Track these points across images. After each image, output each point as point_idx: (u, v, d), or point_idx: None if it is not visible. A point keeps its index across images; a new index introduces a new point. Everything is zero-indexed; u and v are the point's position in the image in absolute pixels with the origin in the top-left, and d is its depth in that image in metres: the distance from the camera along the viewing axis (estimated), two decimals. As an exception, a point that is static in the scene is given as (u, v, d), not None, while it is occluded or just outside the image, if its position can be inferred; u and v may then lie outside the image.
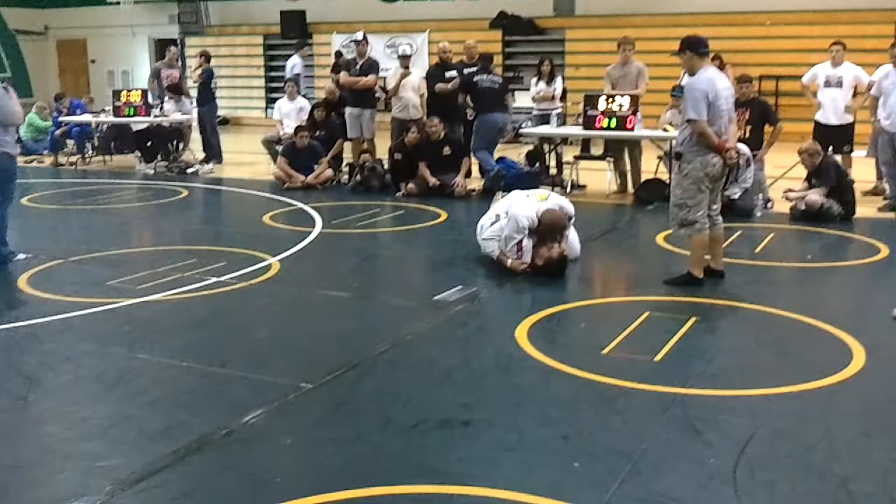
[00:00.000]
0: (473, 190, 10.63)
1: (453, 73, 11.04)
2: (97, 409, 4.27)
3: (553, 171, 11.31)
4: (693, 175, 6.23)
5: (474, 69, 10.98)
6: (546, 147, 11.31)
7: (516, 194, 7.20)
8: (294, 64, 14.85)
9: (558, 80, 12.38)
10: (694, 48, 6.25)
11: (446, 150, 10.52)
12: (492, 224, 7.00)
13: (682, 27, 16.06)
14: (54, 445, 3.90)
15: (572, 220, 7.09)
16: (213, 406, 4.31)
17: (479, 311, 5.98)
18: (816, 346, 5.19)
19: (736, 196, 8.81)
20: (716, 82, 6.19)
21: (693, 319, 5.56)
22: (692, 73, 6.29)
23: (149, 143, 13.70)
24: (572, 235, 7.13)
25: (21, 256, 7.32)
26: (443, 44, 11.49)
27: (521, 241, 6.68)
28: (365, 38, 12.50)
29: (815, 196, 8.67)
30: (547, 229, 6.75)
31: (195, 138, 14.12)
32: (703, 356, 5.04)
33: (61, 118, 14.65)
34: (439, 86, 10.88)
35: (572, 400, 4.34)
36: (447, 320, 5.71)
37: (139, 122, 13.69)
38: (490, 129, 10.85)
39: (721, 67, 13.92)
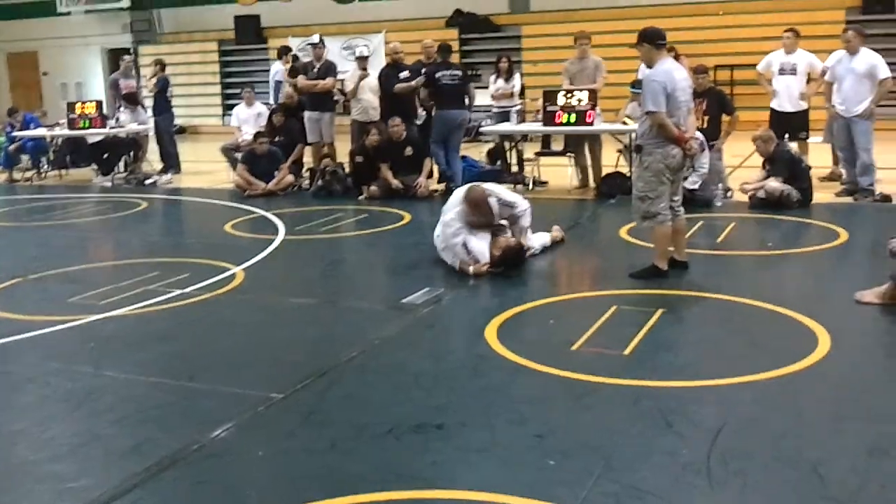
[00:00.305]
0: (436, 190, 10.63)
1: (406, 73, 11.03)
2: (65, 429, 4.20)
3: (514, 168, 11.34)
4: (654, 167, 6.27)
5: (435, 66, 10.90)
6: (507, 145, 11.34)
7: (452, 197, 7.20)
8: (276, 71, 14.58)
9: (517, 76, 12.40)
10: (651, 40, 6.29)
11: (408, 151, 10.50)
12: (437, 236, 7.02)
13: (638, 20, 16.17)
14: (23, 467, 3.83)
15: (524, 213, 7.09)
16: (183, 421, 4.25)
17: (446, 312, 5.97)
18: (782, 333, 5.25)
19: (696, 186, 8.90)
20: (673, 74, 6.24)
21: (660, 312, 5.60)
22: (650, 66, 6.34)
23: (105, 156, 13.53)
24: (531, 232, 7.17)
25: None
26: (393, 44, 11.49)
27: (465, 244, 6.67)
28: (321, 41, 12.44)
29: (775, 183, 8.77)
30: (473, 209, 6.72)
31: (152, 149, 13.96)
32: (672, 348, 5.08)
33: (14, 133, 14.40)
34: (400, 86, 10.83)
35: (544, 397, 4.34)
36: (415, 323, 5.69)
37: (95, 135, 13.52)
38: (445, 125, 10.64)
39: (676, 59, 14.07)
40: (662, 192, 6.30)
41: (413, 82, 10.79)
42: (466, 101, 10.94)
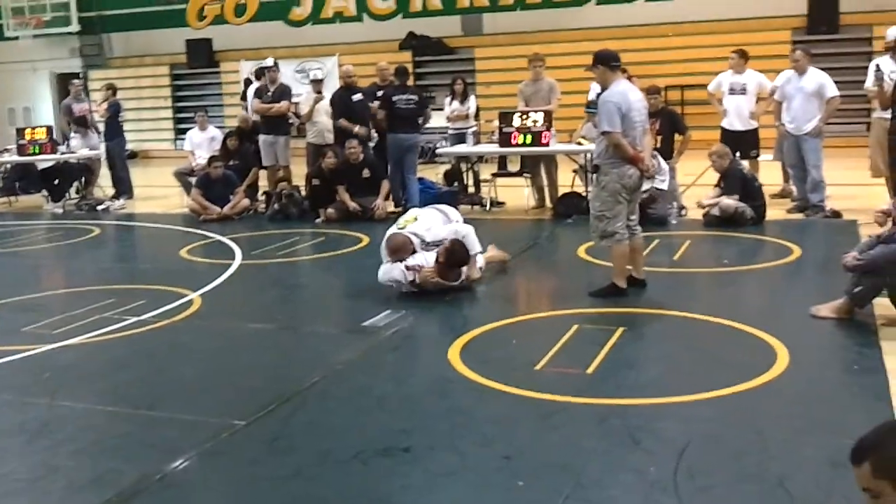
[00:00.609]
0: (394, 213, 10.60)
1: (359, 96, 11.05)
2: (21, 462, 4.10)
3: (471, 189, 11.38)
4: (611, 187, 6.33)
5: (392, 89, 10.95)
6: (463, 166, 11.38)
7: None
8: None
9: (472, 98, 12.48)
10: (606, 62, 6.37)
11: (365, 173, 10.48)
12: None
13: (589, 41, 16.41)
14: (-23, 504, 3.73)
15: (458, 225, 7.17)
16: (144, 451, 4.17)
17: (409, 334, 5.94)
18: (741, 349, 5.30)
19: (664, 186, 9.05)
20: (628, 95, 6.32)
21: (621, 330, 5.63)
22: (605, 87, 6.41)
23: (56, 181, 13.31)
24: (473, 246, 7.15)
25: None
26: (346, 67, 11.52)
27: (405, 266, 6.66)
28: (275, 64, 12.40)
29: (729, 201, 8.90)
30: (392, 255, 6.76)
31: (104, 174, 13.76)
32: (634, 365, 5.11)
33: (-39, 160, 14.11)
34: (343, 122, 10.92)
35: (510, 418, 4.34)
36: (378, 346, 5.66)
37: (45, 160, 13.30)
38: (397, 147, 10.72)
39: (629, 80, 14.26)
40: (619, 212, 6.36)
41: (379, 115, 10.81)
42: (421, 121, 11.01)
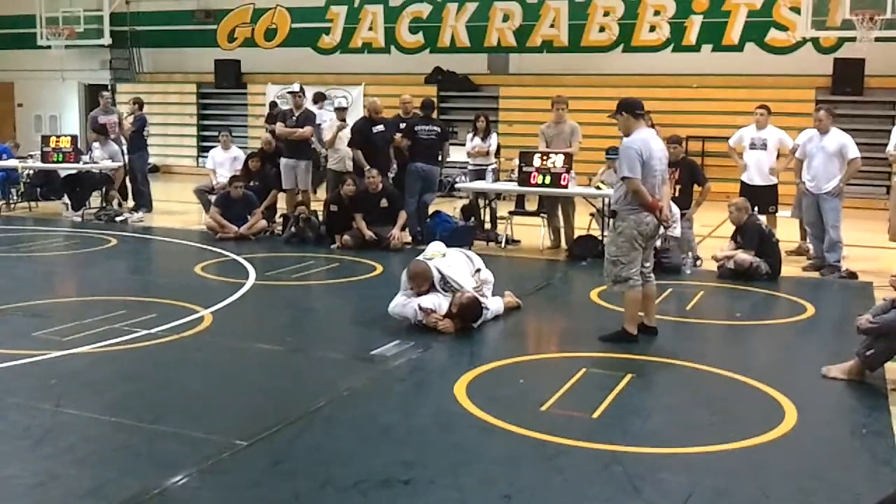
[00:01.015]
0: (409, 243, 10.64)
1: (380, 128, 11.15)
2: (22, 468, 4.10)
3: (488, 225, 11.41)
4: (627, 233, 6.34)
5: (416, 119, 11.18)
6: (481, 202, 11.41)
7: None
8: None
9: (493, 136, 12.53)
10: (630, 110, 6.42)
11: (383, 203, 10.53)
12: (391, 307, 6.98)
13: (613, 87, 16.55)
14: (-25, 506, 3.73)
15: (481, 273, 7.15)
16: (145, 464, 4.17)
17: (417, 366, 5.94)
18: (749, 404, 5.28)
19: (674, 232, 9.07)
20: (650, 143, 6.36)
21: (629, 376, 5.61)
22: (627, 134, 6.44)
23: (77, 189, 13.42)
24: (494, 298, 7.17)
25: None
26: (373, 99, 11.60)
27: (419, 306, 6.66)
28: (301, 89, 12.51)
29: (744, 255, 8.88)
30: (411, 280, 6.77)
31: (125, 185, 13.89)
32: (640, 413, 5.08)
33: (-15, 163, 14.26)
34: (359, 156, 11.04)
35: (513, 458, 4.31)
36: (385, 375, 5.66)
37: (68, 168, 13.42)
38: (413, 178, 11.04)
39: (652, 126, 14.31)
40: (634, 258, 6.37)
41: (403, 143, 11.03)
42: (440, 156, 11.21)
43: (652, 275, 6.64)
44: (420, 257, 7.11)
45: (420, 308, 6.65)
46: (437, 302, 6.69)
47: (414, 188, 11.02)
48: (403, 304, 6.76)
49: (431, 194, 11.21)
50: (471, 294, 6.74)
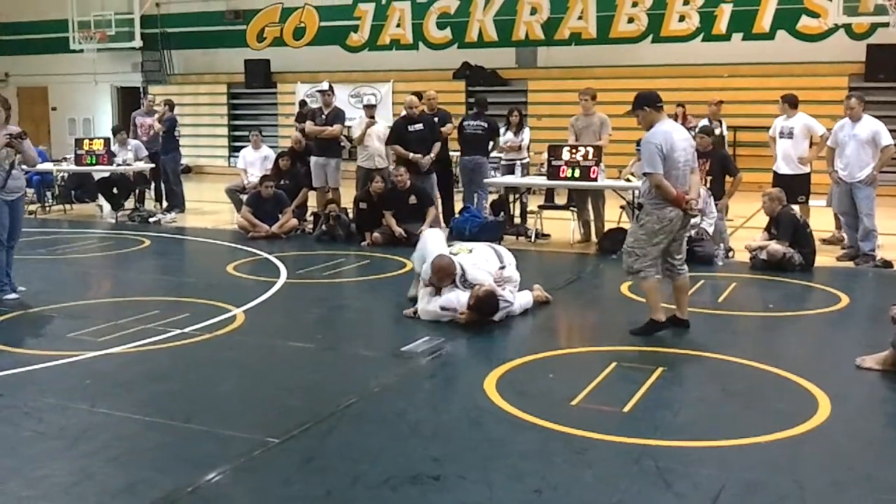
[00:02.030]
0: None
1: (418, 126, 11.14)
2: (59, 467, 4.17)
3: (517, 220, 11.39)
4: (648, 227, 6.30)
5: (466, 116, 11.96)
6: (511, 196, 11.40)
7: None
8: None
9: (526, 130, 12.50)
10: (650, 104, 6.36)
11: (412, 200, 10.56)
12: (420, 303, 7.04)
13: (643, 79, 16.46)
14: (13, 505, 3.79)
15: (505, 270, 7.12)
16: (178, 462, 4.22)
17: (446, 362, 5.95)
18: (782, 396, 5.23)
19: (709, 227, 9.04)
20: (671, 135, 6.27)
21: (660, 370, 5.58)
22: (649, 128, 6.37)
23: (114, 191, 13.59)
24: (523, 293, 7.15)
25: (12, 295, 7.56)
26: (410, 98, 11.58)
27: (442, 307, 6.71)
28: (330, 87, 12.57)
29: (777, 246, 8.79)
30: (436, 274, 6.81)
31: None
32: (671, 407, 5.05)
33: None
34: (398, 148, 11.12)
35: (543, 453, 4.31)
36: (415, 372, 5.67)
37: (101, 171, 13.58)
38: (463, 171, 11.66)
39: (684, 115, 14.26)
40: (650, 253, 6.30)
41: (447, 129, 11.55)
42: (491, 146, 11.75)
43: (684, 267, 6.59)
44: (446, 250, 7.12)
45: (442, 308, 6.71)
46: (457, 298, 6.72)
47: (465, 180, 11.66)
48: (426, 305, 6.82)
49: (482, 191, 11.57)
50: (487, 287, 6.71)
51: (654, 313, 6.44)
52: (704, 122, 12.49)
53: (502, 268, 7.12)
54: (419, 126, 11.12)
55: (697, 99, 15.66)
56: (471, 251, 7.15)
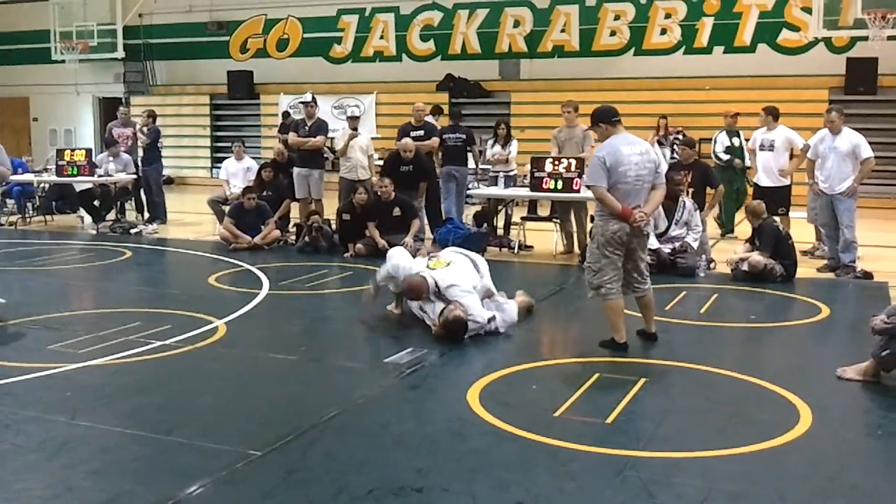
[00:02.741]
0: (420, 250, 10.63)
1: (420, 132, 11.56)
2: (38, 480, 4.12)
3: (500, 231, 11.40)
4: (597, 240, 6.28)
5: (444, 128, 12.29)
6: (497, 207, 11.42)
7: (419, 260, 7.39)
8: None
9: (513, 143, 12.56)
10: (605, 119, 6.31)
11: (396, 211, 10.56)
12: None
13: (625, 91, 16.58)
14: (-8, 519, 3.76)
15: (484, 279, 7.15)
16: (159, 475, 4.18)
17: (430, 373, 5.93)
18: (764, 407, 5.25)
19: (693, 242, 9.09)
20: (620, 149, 6.15)
21: (642, 381, 5.59)
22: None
23: (95, 203, 13.52)
24: (508, 305, 7.13)
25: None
26: (418, 104, 12.10)
27: (420, 307, 6.82)
28: (313, 99, 12.57)
29: (759, 257, 8.84)
30: (406, 294, 6.96)
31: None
32: (654, 418, 5.05)
33: (1, 177, 14.35)
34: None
35: (526, 464, 4.31)
36: (398, 383, 5.66)
37: (83, 182, 13.51)
38: (445, 180, 11.97)
39: (665, 127, 14.33)
40: (604, 266, 6.22)
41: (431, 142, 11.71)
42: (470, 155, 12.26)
43: (646, 283, 6.45)
44: (422, 264, 7.12)
45: (421, 309, 6.83)
46: (433, 309, 6.78)
47: (448, 189, 11.94)
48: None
49: (459, 201, 12.00)
50: (457, 312, 6.61)
51: (613, 333, 6.34)
52: (722, 134, 12.15)
53: (481, 277, 7.13)
54: (421, 132, 11.60)
55: (679, 111, 15.79)
56: (449, 264, 7.12)
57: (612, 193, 6.13)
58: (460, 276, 6.97)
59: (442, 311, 6.67)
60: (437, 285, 6.84)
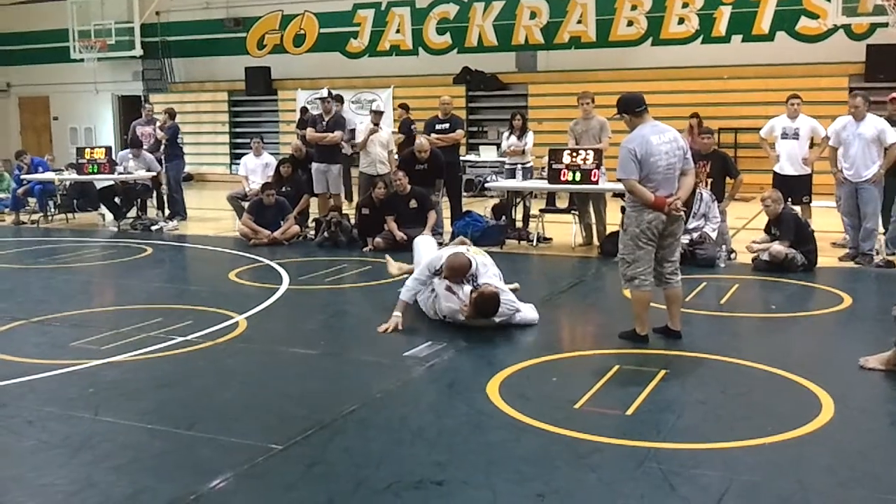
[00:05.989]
0: (441, 243, 10.64)
1: (446, 125, 11.66)
2: (61, 475, 4.16)
3: (519, 224, 11.39)
4: (630, 231, 6.20)
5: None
6: (515, 200, 11.40)
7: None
8: None
9: (529, 135, 12.52)
10: (629, 110, 6.23)
11: (413, 204, 10.57)
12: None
13: (643, 81, 16.48)
14: (17, 514, 3.79)
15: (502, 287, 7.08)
16: (181, 470, 4.22)
17: (449, 367, 5.94)
18: (785, 397, 5.22)
19: (712, 232, 9.03)
20: (649, 139, 6.07)
21: (662, 372, 5.58)
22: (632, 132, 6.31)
23: (116, 200, 13.62)
24: (526, 306, 7.07)
25: None
26: (444, 97, 12.20)
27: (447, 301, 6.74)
28: (330, 94, 12.61)
29: (780, 247, 8.79)
30: (452, 271, 6.79)
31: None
32: (675, 409, 5.04)
33: (23, 176, 14.50)
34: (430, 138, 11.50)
35: (546, 457, 4.30)
36: (418, 377, 5.67)
37: (103, 180, 13.61)
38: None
39: (700, 125, 14.13)
40: (640, 257, 6.18)
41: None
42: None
43: (675, 276, 6.39)
44: (462, 248, 7.11)
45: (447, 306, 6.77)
46: (463, 292, 6.73)
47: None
48: (446, 299, 6.78)
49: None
50: (493, 289, 6.65)
51: (637, 325, 6.32)
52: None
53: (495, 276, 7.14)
54: (447, 126, 11.68)
55: (698, 101, 15.70)
56: (482, 253, 7.19)
57: (643, 184, 6.07)
58: (491, 268, 7.04)
59: (473, 289, 6.67)
60: (476, 265, 6.85)
